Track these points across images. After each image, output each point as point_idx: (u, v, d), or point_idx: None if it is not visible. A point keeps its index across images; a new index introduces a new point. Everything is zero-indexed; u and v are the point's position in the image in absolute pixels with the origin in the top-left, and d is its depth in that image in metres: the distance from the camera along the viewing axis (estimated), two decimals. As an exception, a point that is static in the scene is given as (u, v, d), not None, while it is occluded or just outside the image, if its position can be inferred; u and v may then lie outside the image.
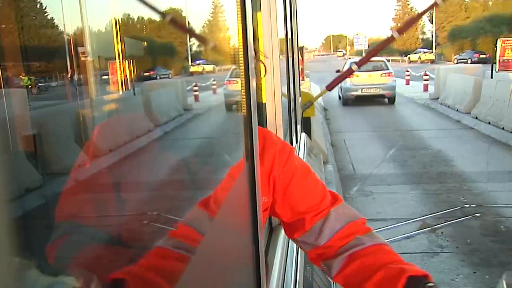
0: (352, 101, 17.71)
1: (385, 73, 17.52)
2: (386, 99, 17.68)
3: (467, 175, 7.52)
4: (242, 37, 0.94)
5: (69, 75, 0.94)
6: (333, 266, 1.22)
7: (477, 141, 10.31)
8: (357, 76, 16.74)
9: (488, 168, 7.71)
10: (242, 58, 0.94)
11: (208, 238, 0.87)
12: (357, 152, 9.56)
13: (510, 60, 20.44)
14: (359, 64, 4.98)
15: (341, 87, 17.98)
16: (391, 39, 4.88)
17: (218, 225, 0.92)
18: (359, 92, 17.43)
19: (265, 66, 1.93)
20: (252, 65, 0.96)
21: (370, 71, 17.31)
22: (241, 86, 0.95)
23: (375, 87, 17.28)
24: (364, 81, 17.25)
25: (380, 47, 5.23)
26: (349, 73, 5.07)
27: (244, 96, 0.95)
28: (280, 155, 1.27)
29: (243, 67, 0.94)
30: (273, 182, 1.26)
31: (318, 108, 13.12)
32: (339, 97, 19.09)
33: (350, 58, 38.19)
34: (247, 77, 0.94)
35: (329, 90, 5.14)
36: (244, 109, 0.95)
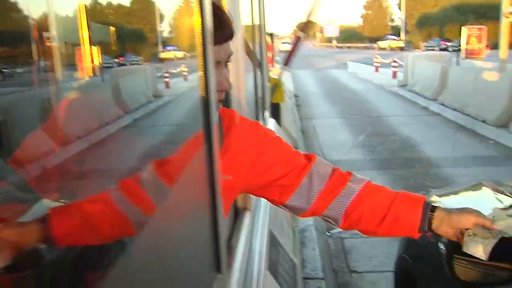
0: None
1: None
2: None
3: (433, 160, 7.70)
4: (201, 22, 0.92)
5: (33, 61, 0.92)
6: (336, 218, 1.32)
7: (444, 127, 10.55)
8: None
9: (453, 153, 7.92)
10: (200, 42, 0.93)
11: (162, 214, 0.87)
12: (326, 139, 9.67)
13: (475, 48, 20.91)
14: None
15: None
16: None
17: (174, 203, 0.92)
18: None
19: None
20: (210, 47, 0.94)
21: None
22: (200, 69, 0.94)
23: None
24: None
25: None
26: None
27: (203, 78, 0.94)
28: (246, 132, 1.33)
29: (201, 50, 0.93)
30: (242, 159, 1.29)
31: (288, 95, 13.18)
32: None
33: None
34: (205, 60, 0.93)
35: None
36: (203, 91, 0.95)
